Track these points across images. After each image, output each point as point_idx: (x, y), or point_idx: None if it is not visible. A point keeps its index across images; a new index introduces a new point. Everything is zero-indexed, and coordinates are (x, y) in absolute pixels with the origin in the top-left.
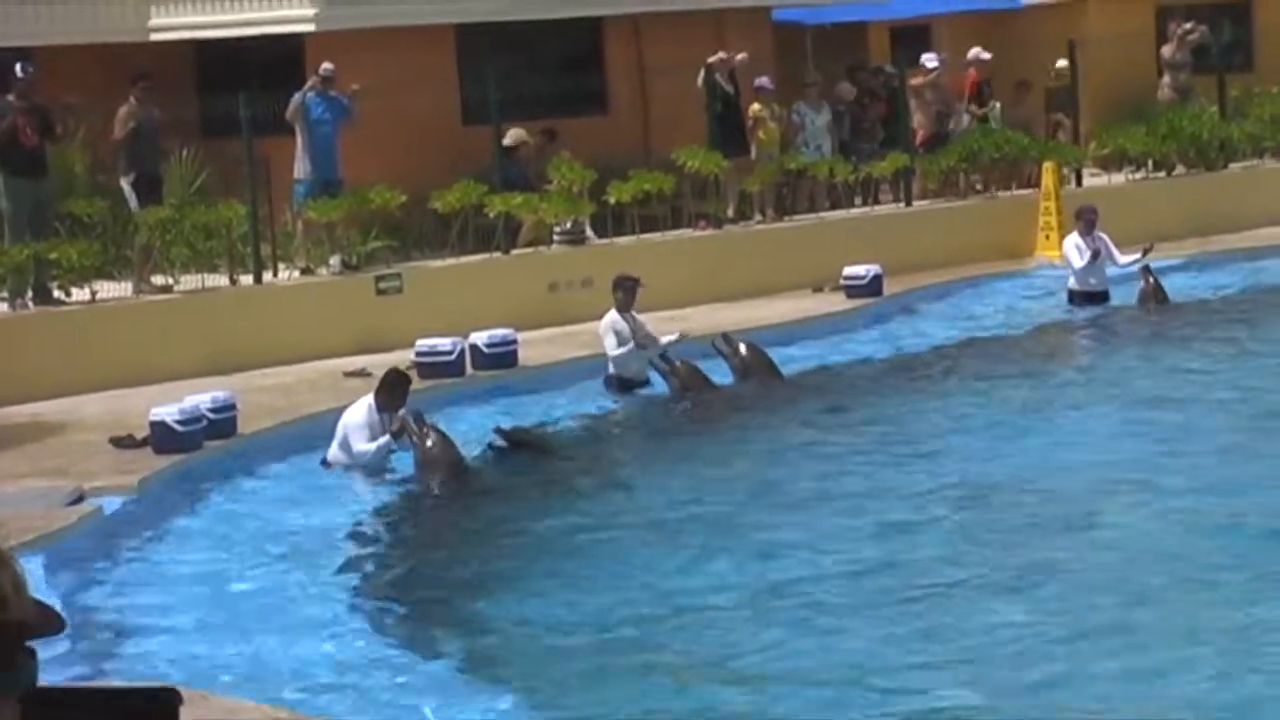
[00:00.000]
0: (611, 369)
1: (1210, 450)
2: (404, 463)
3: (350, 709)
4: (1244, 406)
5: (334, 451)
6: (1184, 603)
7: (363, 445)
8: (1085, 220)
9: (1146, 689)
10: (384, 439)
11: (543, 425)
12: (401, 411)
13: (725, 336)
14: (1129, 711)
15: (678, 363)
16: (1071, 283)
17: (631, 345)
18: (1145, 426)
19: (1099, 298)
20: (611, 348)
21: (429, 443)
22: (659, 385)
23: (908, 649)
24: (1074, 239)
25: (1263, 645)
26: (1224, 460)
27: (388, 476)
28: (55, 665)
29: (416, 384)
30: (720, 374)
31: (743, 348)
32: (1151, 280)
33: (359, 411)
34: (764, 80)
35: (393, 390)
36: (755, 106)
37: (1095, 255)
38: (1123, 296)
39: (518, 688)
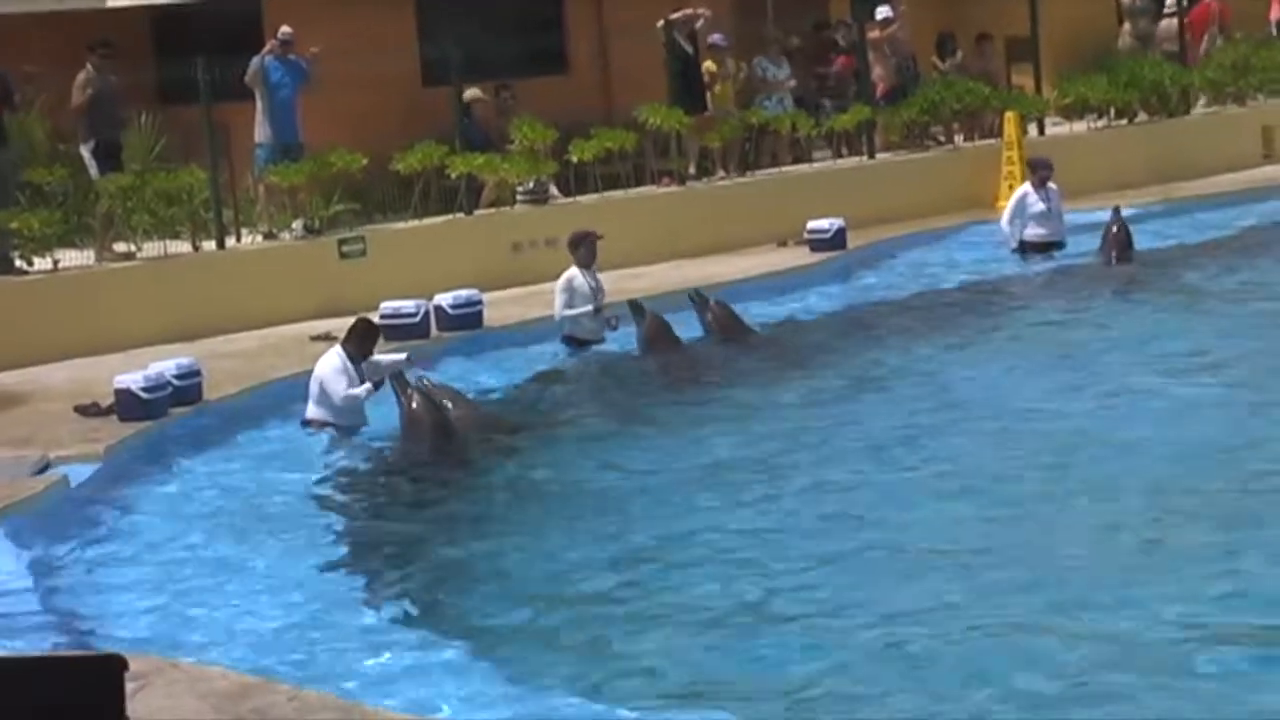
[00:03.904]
0: (567, 328)
1: (1186, 397)
2: (375, 425)
3: (322, 674)
4: (1206, 356)
5: (312, 409)
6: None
7: (344, 389)
8: (1039, 173)
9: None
10: (366, 386)
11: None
12: (403, 358)
13: (698, 291)
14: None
15: (649, 315)
16: (1025, 233)
17: (591, 307)
18: (1115, 374)
19: (1053, 247)
20: (562, 307)
21: (413, 404)
22: (613, 344)
23: (886, 604)
24: (1025, 190)
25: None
26: (1192, 410)
27: (358, 439)
28: (24, 635)
29: (382, 347)
30: (689, 328)
31: (714, 304)
32: (1118, 228)
33: (331, 359)
34: (717, 37)
35: (363, 339)
36: (708, 63)
37: (1048, 207)
38: (1088, 243)
39: (497, 648)
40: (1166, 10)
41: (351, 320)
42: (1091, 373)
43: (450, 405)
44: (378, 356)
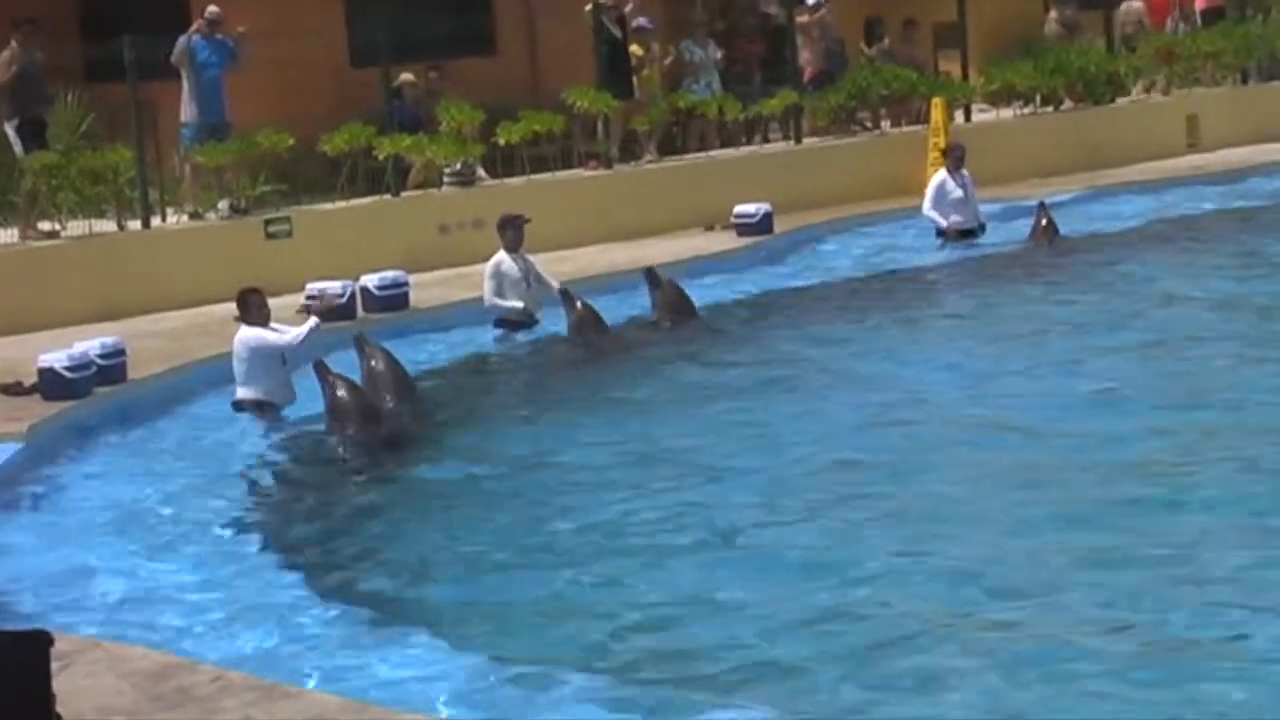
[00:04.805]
0: (499, 313)
1: (1108, 384)
2: (304, 403)
3: (244, 655)
4: (1134, 338)
5: (241, 390)
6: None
7: (273, 341)
8: (953, 158)
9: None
10: (312, 321)
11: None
12: (314, 322)
13: (650, 270)
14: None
15: (578, 303)
16: (941, 220)
17: (522, 293)
18: (1035, 360)
19: (970, 234)
20: (490, 293)
21: (339, 391)
22: (547, 326)
23: (812, 584)
24: (941, 176)
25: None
26: (1117, 393)
27: (285, 419)
28: None
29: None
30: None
31: (666, 282)
32: (1045, 217)
33: (244, 334)
34: (643, 20)
35: (253, 308)
36: (634, 47)
37: (964, 193)
38: (1012, 230)
39: (421, 628)
40: None
41: (276, 300)
42: (1015, 359)
43: (375, 364)
44: (286, 328)
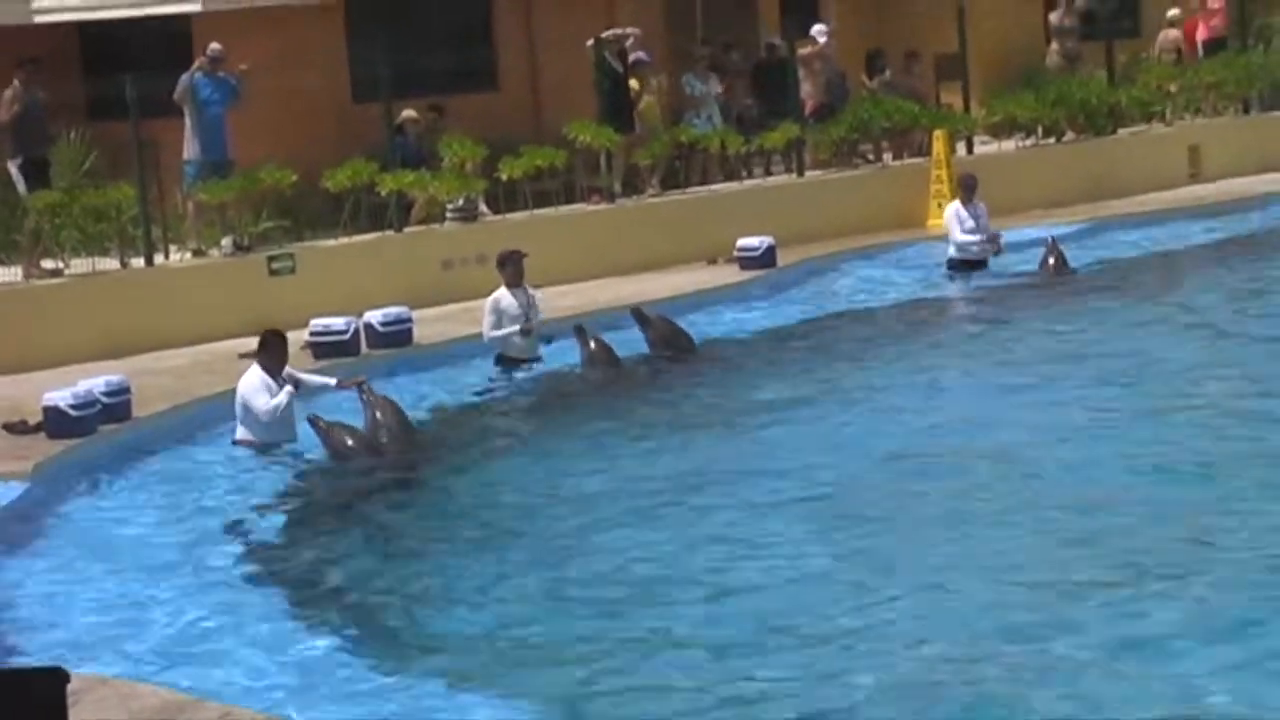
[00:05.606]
0: (498, 348)
1: (1108, 414)
2: (306, 442)
3: (250, 692)
4: (1138, 370)
5: (240, 430)
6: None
7: (266, 403)
8: (966, 188)
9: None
10: (286, 389)
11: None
12: (332, 382)
13: (638, 309)
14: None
15: (592, 340)
16: (951, 251)
17: (519, 329)
18: (1044, 393)
19: (979, 265)
20: (489, 328)
21: (341, 440)
22: (549, 362)
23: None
24: (955, 207)
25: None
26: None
27: (288, 457)
28: None
29: (311, 364)
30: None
31: (655, 319)
32: (1054, 251)
33: (252, 377)
34: (641, 54)
35: (273, 349)
36: (632, 82)
37: (977, 223)
38: (1016, 261)
39: (426, 666)
40: (1167, 20)
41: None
42: (1016, 392)
43: (379, 414)
44: (303, 375)
